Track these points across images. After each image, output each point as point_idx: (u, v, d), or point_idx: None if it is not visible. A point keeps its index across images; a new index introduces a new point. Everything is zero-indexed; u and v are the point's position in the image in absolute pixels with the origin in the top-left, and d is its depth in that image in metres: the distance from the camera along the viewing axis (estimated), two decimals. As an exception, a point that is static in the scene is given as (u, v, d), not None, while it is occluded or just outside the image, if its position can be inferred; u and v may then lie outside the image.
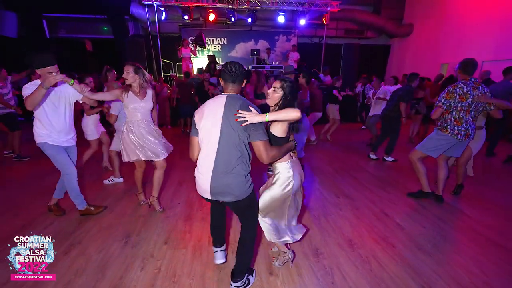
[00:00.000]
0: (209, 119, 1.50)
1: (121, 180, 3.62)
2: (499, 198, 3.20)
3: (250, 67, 8.54)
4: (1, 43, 8.85)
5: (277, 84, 1.68)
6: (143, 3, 8.54)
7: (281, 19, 9.43)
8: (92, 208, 2.71)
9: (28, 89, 2.18)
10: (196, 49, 8.90)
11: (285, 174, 1.69)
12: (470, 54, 7.27)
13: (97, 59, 8.98)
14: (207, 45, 9.67)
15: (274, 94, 1.67)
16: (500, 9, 7.12)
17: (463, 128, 2.69)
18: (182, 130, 6.76)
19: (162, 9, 8.91)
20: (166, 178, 3.69)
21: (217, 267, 1.99)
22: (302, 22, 9.63)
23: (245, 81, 1.63)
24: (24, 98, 2.14)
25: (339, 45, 9.83)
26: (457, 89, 2.63)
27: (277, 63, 9.15)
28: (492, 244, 2.31)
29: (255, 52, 8.79)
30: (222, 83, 1.61)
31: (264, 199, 1.75)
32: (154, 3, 8.52)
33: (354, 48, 9.10)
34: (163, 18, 9.07)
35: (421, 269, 1.98)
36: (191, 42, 8.40)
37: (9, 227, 2.47)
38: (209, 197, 1.56)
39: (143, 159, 2.62)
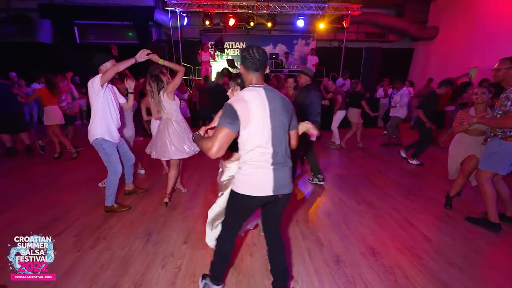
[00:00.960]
0: (259, 112, 1.39)
1: (143, 172, 3.97)
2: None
3: (268, 70, 8.58)
4: (38, 48, 9.53)
5: (232, 85, 1.90)
6: (167, 9, 8.86)
7: (300, 23, 9.42)
8: (116, 206, 2.81)
9: (95, 80, 2.50)
10: (215, 53, 9.05)
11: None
12: (501, 57, 6.84)
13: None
14: (225, 50, 9.81)
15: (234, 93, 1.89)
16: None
17: None
18: None
19: (184, 15, 9.20)
20: (185, 179, 3.77)
21: (235, 269, 1.99)
22: (322, 26, 9.55)
23: (267, 69, 1.55)
24: (102, 74, 2.45)
25: (360, 49, 9.63)
26: None
27: (295, 67, 9.12)
28: (530, 261, 2.14)
29: (274, 56, 8.82)
30: (241, 70, 1.48)
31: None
32: (177, 9, 8.82)
33: (376, 51, 8.88)
34: (185, 23, 9.36)
35: (451, 283, 1.86)
36: (211, 47, 8.58)
37: (37, 223, 2.60)
38: (270, 193, 1.44)
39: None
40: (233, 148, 1.62)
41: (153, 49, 8.85)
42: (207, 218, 2.71)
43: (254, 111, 1.38)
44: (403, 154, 4.76)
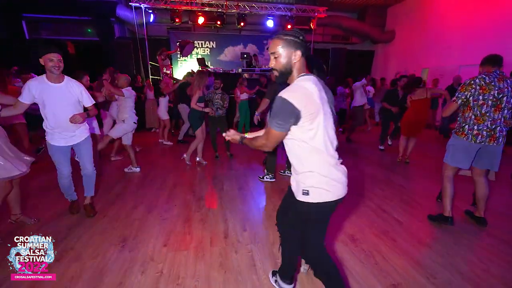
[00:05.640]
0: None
1: (137, 169, 3.94)
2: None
3: (240, 70, 8.56)
4: (-24, 44, 8.36)
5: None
6: (130, 5, 8.37)
7: (270, 23, 9.55)
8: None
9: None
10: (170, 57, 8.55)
11: None
12: (450, 59, 7.62)
13: (81, 62, 8.68)
14: (187, 55, 9.13)
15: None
16: (476, 18, 7.58)
17: (485, 128, 2.23)
18: (173, 132, 6.62)
19: (150, 11, 8.78)
20: (161, 181, 3.59)
21: (221, 267, 1.93)
22: (289, 27, 9.79)
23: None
24: None
25: (326, 50, 10.07)
26: (477, 80, 2.22)
27: (266, 66, 9.22)
28: (487, 235, 2.40)
29: (245, 56, 8.83)
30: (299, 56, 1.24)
31: None
32: (141, 6, 8.38)
33: (341, 52, 9.36)
34: (151, 20, 8.92)
35: (423, 260, 2.02)
36: (163, 58, 8.12)
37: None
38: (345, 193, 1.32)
39: None
40: None
41: (118, 47, 8.26)
42: (186, 219, 2.62)
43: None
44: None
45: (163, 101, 5.59)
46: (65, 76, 2.35)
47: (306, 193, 1.26)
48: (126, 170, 3.89)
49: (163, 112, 5.58)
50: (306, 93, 1.17)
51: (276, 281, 1.74)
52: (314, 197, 1.25)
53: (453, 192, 2.48)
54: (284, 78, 1.28)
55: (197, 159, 4.31)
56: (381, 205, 2.95)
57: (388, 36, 11.17)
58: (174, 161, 4.40)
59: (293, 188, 1.37)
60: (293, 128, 1.20)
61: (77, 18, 9.18)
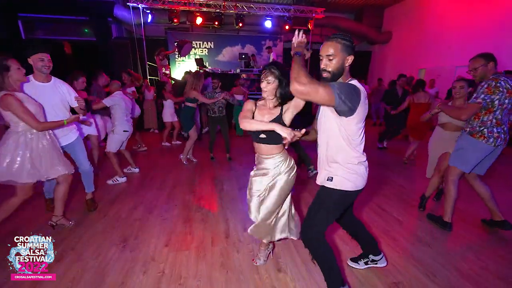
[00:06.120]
0: None
1: (136, 169, 3.97)
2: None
3: (238, 70, 8.57)
4: (-29, 43, 8.27)
5: (269, 76, 1.62)
6: (128, 5, 8.34)
7: (268, 24, 9.57)
8: None
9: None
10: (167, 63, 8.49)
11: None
12: (447, 60, 7.68)
13: (78, 62, 8.63)
14: (185, 54, 9.06)
15: (268, 86, 1.63)
16: (474, 18, 7.67)
17: (502, 131, 2.16)
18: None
19: (148, 11, 8.75)
20: (160, 181, 3.58)
21: (223, 267, 1.94)
22: (287, 27, 9.82)
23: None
24: None
25: (324, 50, 10.10)
26: (502, 83, 2.06)
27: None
28: (484, 232, 2.43)
29: (243, 56, 8.84)
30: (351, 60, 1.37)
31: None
32: (139, 6, 8.35)
33: (339, 53, 9.41)
34: (149, 21, 8.89)
35: (423, 259, 2.04)
36: (161, 58, 8.08)
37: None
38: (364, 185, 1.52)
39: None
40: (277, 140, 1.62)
41: (115, 47, 8.19)
42: (187, 219, 2.62)
43: None
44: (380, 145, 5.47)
45: (167, 104, 5.47)
46: (52, 76, 2.35)
47: (330, 179, 1.43)
48: (125, 170, 3.88)
49: (167, 115, 5.50)
50: (365, 94, 1.32)
51: (366, 262, 1.91)
52: (336, 184, 1.42)
53: (457, 197, 2.41)
54: (334, 80, 1.35)
55: (187, 156, 4.40)
56: (381, 204, 2.97)
57: (385, 37, 11.25)
58: (173, 162, 4.39)
59: (320, 179, 1.52)
60: (345, 120, 1.31)
61: (74, 18, 9.13)
